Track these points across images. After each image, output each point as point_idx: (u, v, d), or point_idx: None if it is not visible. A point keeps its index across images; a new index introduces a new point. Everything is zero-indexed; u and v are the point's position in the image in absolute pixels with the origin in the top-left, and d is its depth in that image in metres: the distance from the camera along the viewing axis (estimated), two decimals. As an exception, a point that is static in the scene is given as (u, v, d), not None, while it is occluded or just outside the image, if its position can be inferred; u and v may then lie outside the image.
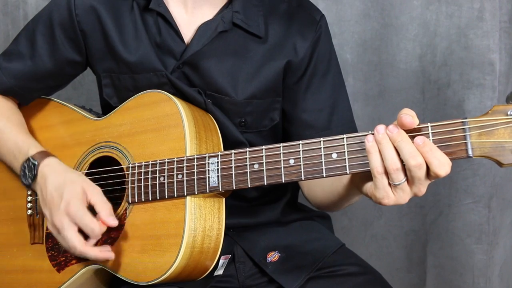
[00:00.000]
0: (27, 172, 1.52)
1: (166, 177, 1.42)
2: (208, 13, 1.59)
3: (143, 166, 1.46)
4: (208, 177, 1.38)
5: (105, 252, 1.43)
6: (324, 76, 1.63)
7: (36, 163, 1.51)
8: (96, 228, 1.41)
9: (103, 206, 1.44)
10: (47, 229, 1.59)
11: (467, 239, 2.35)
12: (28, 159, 1.53)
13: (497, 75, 2.23)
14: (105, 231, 1.42)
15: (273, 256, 1.58)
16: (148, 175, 1.45)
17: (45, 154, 1.54)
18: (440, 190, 2.34)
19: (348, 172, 1.23)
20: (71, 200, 1.42)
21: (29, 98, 1.71)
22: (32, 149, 1.55)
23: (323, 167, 1.25)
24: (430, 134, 1.16)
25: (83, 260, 1.50)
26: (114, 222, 1.42)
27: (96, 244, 1.47)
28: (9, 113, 1.67)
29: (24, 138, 1.61)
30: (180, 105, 1.46)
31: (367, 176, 1.23)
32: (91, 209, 1.45)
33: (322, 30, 1.63)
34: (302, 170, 1.27)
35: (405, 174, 1.17)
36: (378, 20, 2.32)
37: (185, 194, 1.39)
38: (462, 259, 2.37)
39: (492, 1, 2.21)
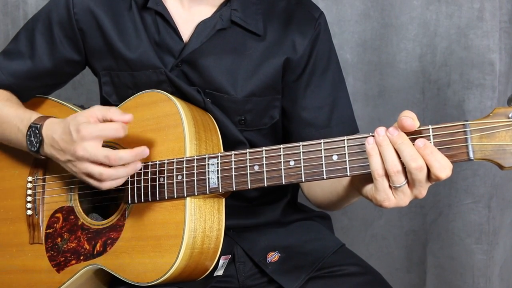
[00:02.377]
0: (32, 139, 1.50)
1: (165, 178, 1.42)
2: (206, 11, 1.59)
3: (142, 167, 1.46)
4: (208, 178, 1.38)
5: (136, 150, 1.38)
6: (324, 74, 1.63)
7: (39, 125, 1.49)
8: (115, 128, 1.36)
9: (111, 111, 1.39)
10: (46, 229, 1.59)
11: (467, 239, 2.35)
12: (31, 125, 1.51)
13: (497, 75, 2.23)
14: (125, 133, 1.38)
15: (273, 256, 1.58)
16: (148, 175, 1.45)
17: (45, 117, 1.52)
18: (440, 190, 2.35)
19: (348, 174, 1.23)
20: (79, 127, 1.37)
21: (27, 96, 1.71)
22: (34, 116, 1.54)
23: (324, 169, 1.24)
24: (431, 137, 1.16)
25: (84, 260, 1.51)
26: (128, 117, 1.38)
27: (96, 244, 1.47)
28: (7, 97, 1.67)
29: (24, 110, 1.60)
30: (179, 105, 1.45)
31: (367, 178, 1.23)
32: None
33: (321, 27, 1.63)
34: (303, 171, 1.27)
35: (406, 177, 1.16)
36: (378, 20, 2.32)
37: (185, 195, 1.39)
38: (462, 259, 2.37)
39: (492, 1, 2.21)
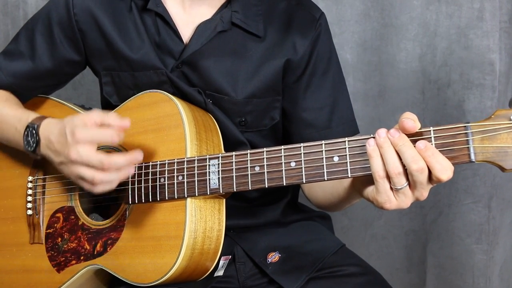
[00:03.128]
0: (29, 139, 1.50)
1: (166, 178, 1.42)
2: (206, 12, 1.59)
3: (143, 167, 1.46)
4: (209, 179, 1.37)
5: (130, 155, 1.38)
6: (324, 75, 1.63)
7: (36, 125, 1.49)
8: (109, 134, 1.35)
9: (108, 116, 1.37)
10: (46, 229, 1.59)
11: (467, 239, 2.35)
12: (28, 125, 1.51)
13: (497, 75, 2.24)
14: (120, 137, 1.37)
15: (273, 257, 1.58)
16: (148, 176, 1.44)
17: (42, 117, 1.52)
18: (440, 190, 2.35)
19: (349, 176, 1.23)
20: (74, 129, 1.37)
21: (27, 96, 1.71)
22: (31, 116, 1.54)
23: (325, 170, 1.24)
24: (433, 139, 1.16)
25: (84, 260, 1.51)
26: (126, 122, 1.37)
27: (96, 246, 1.47)
28: (6, 97, 1.67)
29: (23, 111, 1.60)
30: (180, 106, 1.45)
31: (368, 180, 1.23)
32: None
33: (322, 28, 1.63)
34: (304, 173, 1.26)
35: (407, 179, 1.16)
36: (378, 20, 2.32)
37: (186, 196, 1.39)
38: (462, 259, 2.37)
39: (492, 1, 2.21)
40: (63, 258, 1.55)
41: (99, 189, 1.38)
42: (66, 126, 1.39)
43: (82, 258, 1.51)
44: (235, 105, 1.58)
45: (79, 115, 1.40)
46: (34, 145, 1.49)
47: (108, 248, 1.47)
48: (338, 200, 1.48)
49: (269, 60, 1.58)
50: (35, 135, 1.48)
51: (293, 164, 1.28)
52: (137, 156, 1.37)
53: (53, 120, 1.49)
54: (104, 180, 1.37)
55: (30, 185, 1.63)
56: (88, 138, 1.36)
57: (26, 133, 1.51)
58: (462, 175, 2.32)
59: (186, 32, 1.59)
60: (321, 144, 1.25)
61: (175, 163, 1.42)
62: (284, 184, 1.29)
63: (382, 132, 1.17)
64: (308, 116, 1.62)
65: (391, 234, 2.45)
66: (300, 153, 1.27)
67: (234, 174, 1.35)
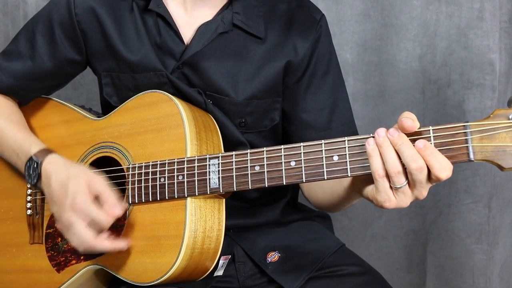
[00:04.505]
0: (31, 173, 1.52)
1: (166, 178, 1.42)
2: (207, 13, 1.59)
3: (143, 167, 1.46)
4: (209, 178, 1.38)
5: (116, 243, 1.41)
6: (324, 76, 1.63)
7: (39, 161, 1.50)
8: (103, 219, 1.38)
9: (108, 196, 1.41)
10: (46, 229, 1.59)
11: (467, 239, 2.35)
12: (31, 158, 1.52)
13: (497, 75, 2.23)
14: (113, 221, 1.40)
15: (273, 256, 1.58)
16: (149, 175, 1.45)
17: (46, 152, 1.53)
18: (440, 190, 2.35)
19: (349, 175, 1.23)
20: (76, 195, 1.40)
21: (28, 98, 1.71)
22: (34, 147, 1.54)
23: (324, 169, 1.25)
24: (432, 138, 1.16)
25: (84, 259, 1.51)
26: (118, 212, 1.39)
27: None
28: (9, 111, 1.66)
29: (25, 136, 1.60)
30: (180, 106, 1.46)
31: (368, 179, 1.23)
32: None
33: (322, 30, 1.63)
34: (303, 172, 1.27)
35: (407, 178, 1.17)
36: (378, 20, 2.32)
37: (186, 195, 1.39)
38: (462, 259, 2.37)
39: (492, 1, 2.21)
40: (63, 258, 1.55)
41: (73, 245, 1.43)
42: (70, 184, 1.42)
43: (82, 258, 1.51)
44: (235, 106, 1.58)
45: (86, 174, 1.44)
46: (35, 179, 1.51)
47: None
48: (337, 200, 1.48)
49: (269, 62, 1.59)
50: (37, 170, 1.50)
51: (293, 164, 1.28)
52: (121, 247, 1.41)
53: (58, 162, 1.51)
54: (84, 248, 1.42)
55: (30, 185, 1.63)
56: (84, 213, 1.39)
57: (28, 165, 1.53)
58: (462, 175, 2.32)
59: (187, 33, 1.59)
60: (321, 144, 1.26)
61: (175, 163, 1.42)
62: (284, 184, 1.29)
63: (381, 131, 1.17)
64: (307, 117, 1.62)
65: (391, 234, 2.45)
66: (300, 153, 1.28)
67: (234, 174, 1.35)
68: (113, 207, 1.39)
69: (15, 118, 1.66)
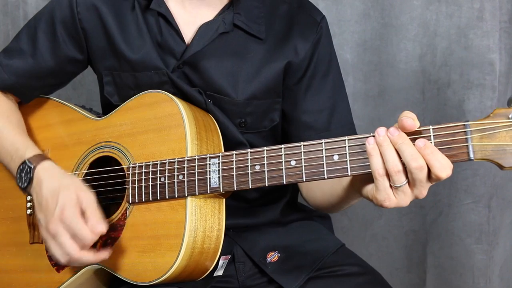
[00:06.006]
0: (23, 176, 1.51)
1: (166, 177, 1.42)
2: (207, 13, 1.59)
3: (143, 166, 1.46)
4: (209, 177, 1.38)
5: (99, 254, 1.42)
6: (324, 77, 1.63)
7: (32, 166, 1.49)
8: (87, 235, 1.38)
9: (92, 213, 1.40)
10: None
11: (467, 239, 2.35)
12: (24, 161, 1.51)
13: (497, 75, 2.24)
14: (97, 239, 1.40)
15: (272, 256, 1.58)
16: (149, 175, 1.45)
17: (41, 158, 1.52)
18: (440, 190, 2.35)
19: (349, 174, 1.23)
20: (65, 206, 1.40)
21: (29, 96, 1.71)
22: (29, 152, 1.54)
23: (325, 168, 1.25)
24: (432, 137, 1.16)
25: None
26: (101, 229, 1.39)
27: (96, 245, 1.47)
28: (8, 112, 1.66)
29: (22, 139, 1.60)
30: (181, 106, 1.46)
31: (368, 178, 1.23)
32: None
33: (323, 31, 1.63)
34: (304, 171, 1.27)
35: (407, 177, 1.17)
36: (378, 20, 2.32)
37: (186, 195, 1.39)
38: (462, 259, 2.37)
39: (492, 1, 2.21)
40: (63, 258, 1.55)
41: (55, 258, 1.43)
42: (60, 194, 1.41)
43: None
44: (235, 106, 1.58)
45: (78, 188, 1.43)
46: (26, 184, 1.50)
47: (108, 247, 1.47)
48: (337, 200, 1.48)
49: (270, 62, 1.59)
50: (29, 174, 1.49)
51: (293, 163, 1.28)
52: (104, 257, 1.42)
53: (52, 170, 1.50)
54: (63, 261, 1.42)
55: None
56: (71, 226, 1.39)
57: (20, 168, 1.52)
58: (462, 175, 2.32)
59: (188, 32, 1.59)
60: (321, 143, 1.26)
61: (176, 162, 1.42)
62: (284, 183, 1.29)
63: (381, 130, 1.17)
64: (307, 119, 1.63)
65: (391, 234, 2.45)
66: (300, 152, 1.28)
67: (234, 173, 1.35)
68: (97, 224, 1.39)
69: (15, 119, 1.66)
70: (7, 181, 1.67)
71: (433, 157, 1.13)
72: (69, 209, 1.39)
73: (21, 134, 1.63)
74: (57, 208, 1.40)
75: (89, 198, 1.42)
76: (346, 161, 1.23)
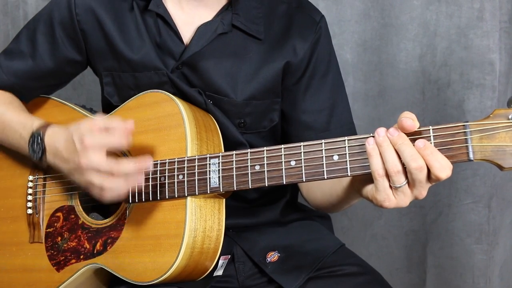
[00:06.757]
0: (35, 147, 1.50)
1: (166, 177, 1.42)
2: (206, 14, 1.59)
3: (143, 166, 1.46)
4: (209, 177, 1.38)
5: (139, 162, 1.35)
6: (324, 77, 1.63)
7: (41, 133, 1.49)
8: (119, 136, 1.34)
9: (111, 120, 1.37)
10: (46, 228, 1.59)
11: (467, 239, 2.36)
12: (33, 133, 1.51)
13: (497, 75, 2.24)
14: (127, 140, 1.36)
15: (272, 256, 1.58)
16: (149, 175, 1.44)
17: (47, 125, 1.51)
18: (440, 190, 2.35)
19: (349, 174, 1.23)
20: (82, 137, 1.36)
21: (28, 97, 1.71)
22: (36, 123, 1.54)
23: (324, 169, 1.25)
24: (432, 137, 1.16)
25: (84, 259, 1.51)
26: (130, 124, 1.35)
27: (95, 245, 1.48)
28: (10, 99, 1.67)
29: (27, 116, 1.61)
30: (181, 106, 1.46)
31: (368, 179, 1.23)
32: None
33: (322, 31, 1.63)
34: (303, 171, 1.27)
35: (406, 177, 1.17)
36: (378, 20, 2.32)
37: (186, 195, 1.39)
38: (462, 259, 2.37)
39: (492, 1, 2.21)
40: (63, 257, 1.55)
41: (108, 196, 1.37)
42: (74, 133, 1.38)
43: (81, 257, 1.51)
44: (234, 106, 1.58)
45: (84, 122, 1.39)
46: (40, 153, 1.49)
47: (108, 247, 1.47)
48: (337, 201, 1.48)
49: (269, 63, 1.59)
50: (40, 143, 1.49)
51: (293, 163, 1.28)
52: (146, 163, 1.36)
53: (58, 128, 1.49)
54: (113, 187, 1.35)
55: (30, 184, 1.63)
56: (97, 144, 1.35)
57: (31, 141, 1.51)
58: (462, 175, 2.32)
59: (186, 33, 1.59)
60: (321, 143, 1.26)
61: (176, 162, 1.42)
62: (284, 183, 1.29)
63: (381, 131, 1.17)
64: (307, 119, 1.62)
65: (391, 234, 2.45)
66: (300, 152, 1.28)
67: (234, 173, 1.35)
68: (123, 122, 1.35)
69: (16, 103, 1.67)
70: (7, 181, 1.68)
71: (433, 158, 1.13)
72: (88, 135, 1.35)
73: (25, 112, 1.63)
74: (77, 144, 1.37)
75: (99, 119, 1.39)
76: (346, 161, 1.23)
